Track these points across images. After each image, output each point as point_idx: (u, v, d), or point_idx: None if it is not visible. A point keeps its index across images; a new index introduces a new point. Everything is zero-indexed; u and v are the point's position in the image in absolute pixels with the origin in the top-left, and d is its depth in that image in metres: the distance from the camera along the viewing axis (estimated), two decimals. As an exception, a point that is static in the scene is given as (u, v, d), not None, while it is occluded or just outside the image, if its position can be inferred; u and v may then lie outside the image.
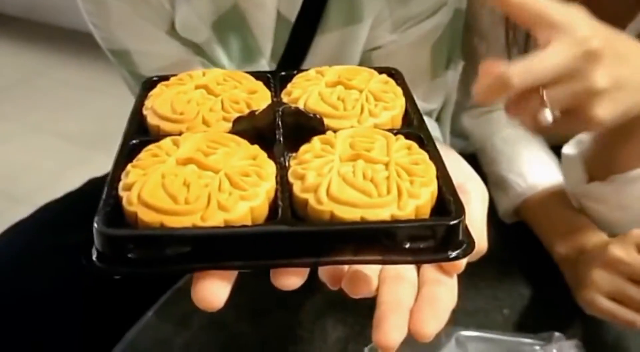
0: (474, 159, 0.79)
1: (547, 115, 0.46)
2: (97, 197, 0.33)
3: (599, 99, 0.45)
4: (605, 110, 0.46)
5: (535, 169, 0.73)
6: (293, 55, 0.69)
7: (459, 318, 0.61)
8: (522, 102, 0.46)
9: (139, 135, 0.38)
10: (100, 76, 1.82)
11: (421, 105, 0.71)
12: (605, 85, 0.45)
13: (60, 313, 0.67)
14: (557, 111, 0.46)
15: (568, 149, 0.66)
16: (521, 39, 0.72)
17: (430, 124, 0.72)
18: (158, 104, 0.39)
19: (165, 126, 0.38)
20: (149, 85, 0.42)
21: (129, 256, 0.30)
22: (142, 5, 0.63)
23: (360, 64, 0.69)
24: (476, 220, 0.33)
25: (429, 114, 0.74)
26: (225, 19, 0.66)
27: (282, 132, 0.36)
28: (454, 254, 0.30)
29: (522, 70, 0.43)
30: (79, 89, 2.08)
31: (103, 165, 0.47)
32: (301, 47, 0.68)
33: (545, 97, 0.45)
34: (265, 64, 0.69)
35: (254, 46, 0.68)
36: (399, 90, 0.41)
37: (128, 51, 0.67)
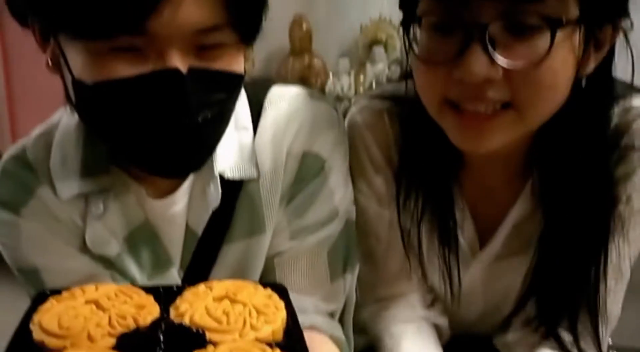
0: None
1: None
2: None
3: None
4: None
5: None
6: (201, 264, 0.72)
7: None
8: None
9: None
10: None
11: (323, 306, 0.74)
12: None
13: None
14: None
15: None
16: (415, 242, 0.79)
17: (333, 325, 0.74)
18: (46, 319, 0.40)
19: (50, 341, 0.39)
20: (40, 298, 0.44)
21: None
22: (55, 223, 0.66)
23: (265, 270, 0.73)
24: None
25: (332, 314, 0.76)
26: (136, 233, 0.69)
27: (163, 348, 0.38)
28: None
29: None
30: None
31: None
32: (208, 257, 0.71)
33: None
34: (175, 273, 0.72)
35: (165, 257, 0.71)
36: (281, 303, 0.43)
37: (37, 270, 0.68)
